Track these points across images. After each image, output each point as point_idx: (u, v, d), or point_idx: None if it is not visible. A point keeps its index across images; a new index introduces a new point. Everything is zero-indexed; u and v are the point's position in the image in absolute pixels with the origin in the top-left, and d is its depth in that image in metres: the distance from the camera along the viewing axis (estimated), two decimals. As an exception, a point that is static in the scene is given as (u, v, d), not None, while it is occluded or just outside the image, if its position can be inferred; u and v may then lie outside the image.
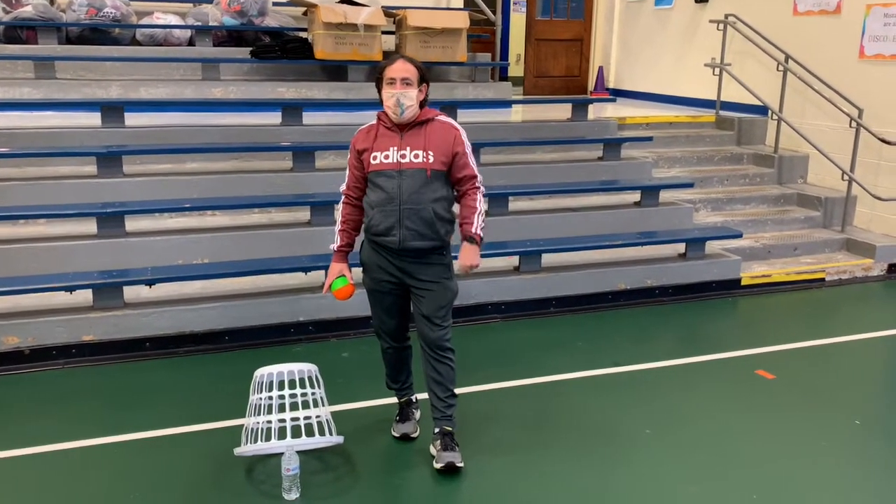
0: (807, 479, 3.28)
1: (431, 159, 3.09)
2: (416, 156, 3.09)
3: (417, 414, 3.60)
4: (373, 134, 3.18)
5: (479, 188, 3.21)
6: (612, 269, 5.49)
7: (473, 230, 3.18)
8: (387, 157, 3.11)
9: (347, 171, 3.27)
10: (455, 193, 3.24)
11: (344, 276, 3.27)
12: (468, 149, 3.17)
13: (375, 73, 3.17)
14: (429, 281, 3.18)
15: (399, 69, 3.07)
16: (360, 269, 3.30)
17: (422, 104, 3.14)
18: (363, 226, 3.24)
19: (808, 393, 4.10)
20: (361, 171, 3.20)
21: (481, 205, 3.21)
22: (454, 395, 3.30)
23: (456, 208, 3.25)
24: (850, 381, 4.31)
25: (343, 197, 3.30)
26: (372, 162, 3.12)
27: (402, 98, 3.06)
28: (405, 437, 3.48)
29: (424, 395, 3.40)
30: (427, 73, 3.17)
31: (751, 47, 7.47)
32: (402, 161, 3.09)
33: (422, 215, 3.09)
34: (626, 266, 5.54)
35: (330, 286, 3.27)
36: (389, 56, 3.28)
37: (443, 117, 3.20)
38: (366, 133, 3.21)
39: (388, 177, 3.09)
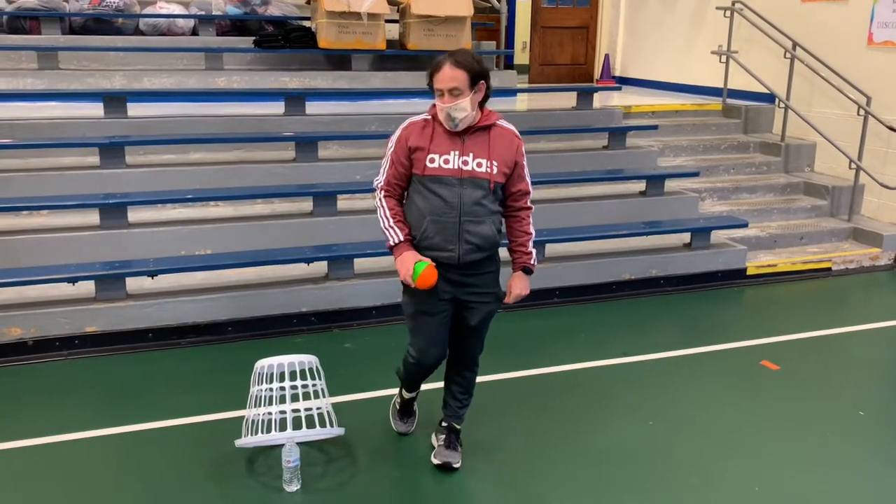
0: (810, 471, 3.26)
1: (495, 170, 2.83)
2: (480, 164, 2.82)
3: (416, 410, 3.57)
4: (429, 132, 2.85)
5: (531, 208, 3.01)
6: (616, 259, 5.46)
7: (532, 261, 3.02)
8: (447, 161, 2.81)
9: (387, 165, 2.93)
10: (503, 208, 2.98)
11: (421, 260, 2.84)
12: (525, 160, 2.96)
13: (428, 74, 2.82)
14: (484, 292, 2.98)
15: (446, 78, 2.72)
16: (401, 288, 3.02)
17: (483, 101, 2.84)
18: (415, 239, 2.92)
19: (813, 384, 4.08)
20: (408, 170, 2.89)
21: (533, 229, 3.04)
22: (471, 397, 3.27)
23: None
24: (855, 371, 4.28)
25: (382, 192, 2.95)
26: (429, 165, 2.82)
27: (454, 111, 2.75)
28: (400, 433, 3.47)
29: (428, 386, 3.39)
30: (483, 67, 2.79)
31: (758, 34, 7.39)
32: (465, 168, 2.81)
33: (482, 229, 2.85)
34: (630, 256, 5.50)
35: (412, 275, 2.84)
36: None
37: (504, 122, 2.93)
38: (420, 129, 2.87)
39: (447, 185, 2.81)
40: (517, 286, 3.05)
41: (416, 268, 2.84)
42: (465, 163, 2.82)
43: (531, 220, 3.03)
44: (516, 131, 2.96)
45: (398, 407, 3.49)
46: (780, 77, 7.18)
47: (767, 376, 4.16)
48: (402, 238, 2.90)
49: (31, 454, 3.31)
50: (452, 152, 2.82)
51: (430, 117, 2.89)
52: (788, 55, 7.05)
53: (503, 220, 3.03)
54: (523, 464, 3.27)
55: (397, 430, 3.48)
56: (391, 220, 2.92)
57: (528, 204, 3.01)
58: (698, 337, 4.74)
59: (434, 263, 2.86)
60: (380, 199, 2.97)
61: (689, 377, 4.14)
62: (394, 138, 2.93)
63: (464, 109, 2.76)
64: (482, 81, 2.79)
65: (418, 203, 2.88)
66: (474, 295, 2.99)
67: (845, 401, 3.88)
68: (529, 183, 3.00)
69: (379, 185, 2.98)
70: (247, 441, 3.13)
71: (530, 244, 3.01)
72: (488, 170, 2.83)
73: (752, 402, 3.86)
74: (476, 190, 2.83)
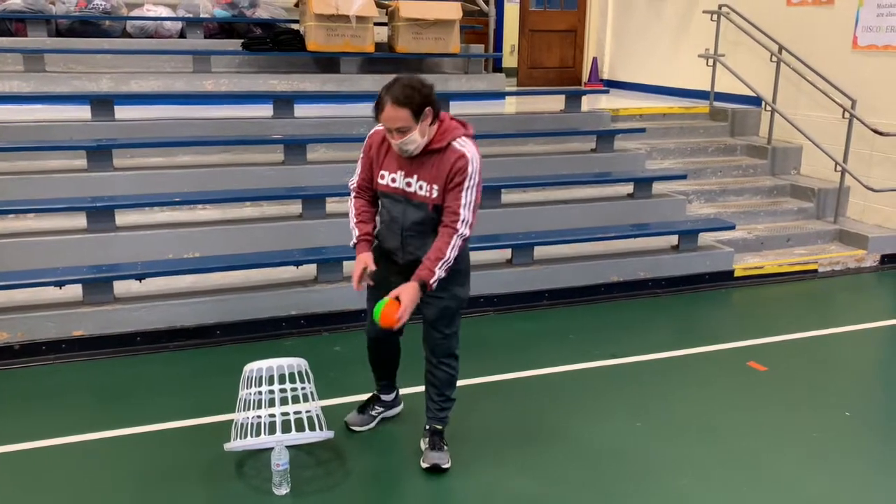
0: (797, 471, 3.28)
1: (435, 194, 2.87)
2: (421, 187, 2.89)
3: (384, 412, 3.57)
4: (386, 146, 2.96)
5: (457, 230, 2.85)
6: (604, 262, 5.48)
7: (431, 280, 2.85)
8: (394, 180, 2.93)
9: (359, 168, 3.07)
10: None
11: (383, 299, 2.87)
12: (469, 182, 2.83)
13: (373, 107, 2.84)
14: (437, 286, 2.98)
15: (390, 119, 2.75)
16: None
17: (435, 120, 2.84)
18: (376, 233, 3.12)
19: (800, 384, 4.10)
20: (370, 173, 3.04)
21: (452, 251, 2.87)
22: (449, 400, 3.25)
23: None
24: (842, 372, 4.31)
25: (353, 192, 3.12)
26: (379, 181, 2.99)
27: (404, 146, 2.82)
28: (347, 426, 3.47)
29: (409, 390, 3.39)
30: (424, 93, 2.76)
31: (744, 38, 7.45)
32: (408, 189, 2.91)
33: (425, 243, 2.95)
34: (618, 258, 5.53)
35: (373, 312, 2.91)
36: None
37: (459, 143, 2.86)
38: (380, 141, 2.99)
39: (393, 200, 2.97)
40: (402, 294, 2.84)
41: (377, 307, 2.89)
42: (409, 184, 2.92)
43: (451, 242, 2.86)
44: (470, 152, 2.85)
45: (367, 399, 3.55)
46: (766, 80, 7.23)
47: (755, 377, 4.19)
48: (356, 238, 3.08)
49: (18, 459, 3.28)
50: (399, 172, 2.93)
51: None
52: (774, 58, 7.10)
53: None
54: (513, 464, 3.28)
55: (346, 419, 3.50)
56: (353, 221, 3.11)
57: (455, 226, 2.86)
58: (686, 338, 4.76)
59: (396, 299, 2.85)
60: (350, 200, 3.17)
61: (677, 378, 4.16)
62: (365, 143, 3.06)
63: (413, 141, 2.82)
64: (429, 108, 2.78)
65: (379, 208, 3.11)
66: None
67: (832, 401, 3.91)
68: (465, 206, 2.85)
69: (351, 187, 3.16)
70: (236, 445, 3.12)
71: (438, 264, 2.86)
72: (428, 193, 2.89)
73: (740, 403, 3.89)
74: (417, 210, 2.94)
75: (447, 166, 2.85)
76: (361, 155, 3.08)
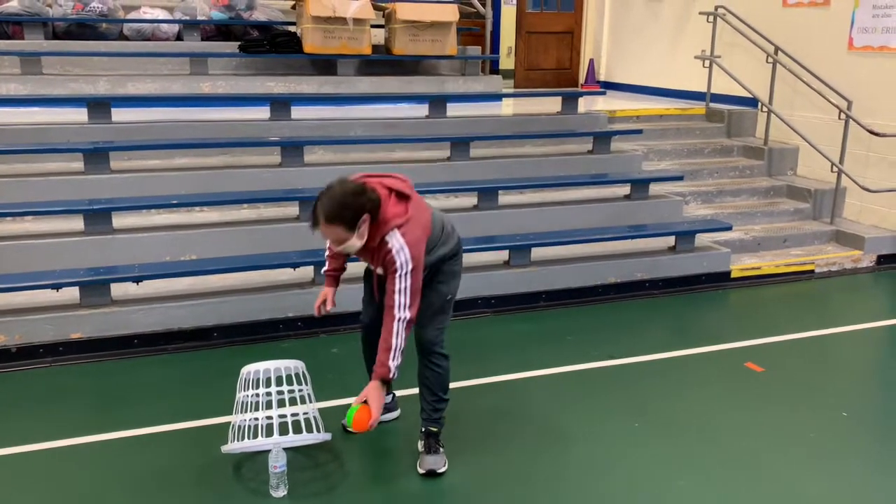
0: (794, 472, 3.29)
1: (381, 272, 3.03)
2: (372, 268, 3.13)
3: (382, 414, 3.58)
4: None
5: (394, 316, 2.87)
6: (602, 263, 5.49)
7: (390, 374, 2.90)
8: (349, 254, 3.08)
9: None
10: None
11: (353, 406, 2.91)
12: (400, 271, 2.84)
13: (311, 214, 2.89)
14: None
15: (325, 234, 2.84)
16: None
17: (375, 217, 2.84)
18: None
19: (797, 385, 4.11)
20: None
21: (397, 339, 2.88)
22: (442, 400, 3.24)
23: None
24: (839, 373, 4.32)
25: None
26: None
27: (344, 250, 2.93)
28: (344, 428, 3.47)
29: (406, 392, 3.39)
30: (358, 204, 2.76)
31: (740, 39, 7.47)
32: (367, 264, 3.15)
33: None
34: (616, 259, 5.54)
35: (346, 416, 2.95)
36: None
37: (391, 238, 2.85)
38: None
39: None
40: (369, 397, 2.90)
41: (349, 414, 2.92)
42: (364, 261, 3.12)
43: (394, 329, 2.88)
44: (396, 248, 2.84)
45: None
46: (762, 81, 7.25)
47: (752, 378, 4.20)
48: (324, 271, 3.34)
49: (15, 462, 3.28)
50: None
51: None
52: (770, 60, 7.12)
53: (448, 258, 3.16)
54: (510, 465, 3.28)
55: (343, 422, 3.49)
56: (326, 253, 3.31)
57: (393, 312, 2.88)
58: (684, 339, 4.77)
59: (366, 404, 2.89)
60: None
61: (675, 379, 4.17)
62: None
63: (352, 246, 2.87)
64: (364, 215, 2.79)
65: None
66: None
67: (829, 402, 3.92)
68: (399, 293, 2.86)
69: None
70: (233, 447, 3.12)
71: (389, 357, 2.89)
72: (373, 269, 3.12)
73: (738, 403, 3.89)
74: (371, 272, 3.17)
75: (381, 257, 2.92)
76: None
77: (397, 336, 2.90)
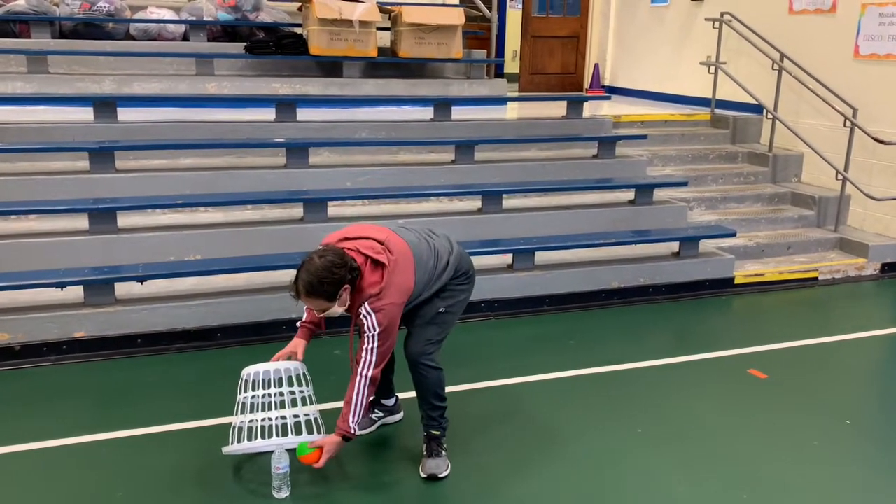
0: (797, 479, 3.28)
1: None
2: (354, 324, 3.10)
3: (385, 418, 3.59)
4: None
5: (360, 372, 2.96)
6: (605, 268, 5.48)
7: (349, 430, 2.99)
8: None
9: None
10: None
11: (306, 446, 3.02)
12: (370, 333, 2.92)
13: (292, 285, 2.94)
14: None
15: (307, 303, 2.94)
16: None
17: (353, 287, 2.91)
18: None
19: (800, 392, 4.10)
20: None
21: (359, 396, 2.97)
22: (435, 407, 3.22)
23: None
24: (842, 380, 4.32)
25: None
26: None
27: (328, 315, 2.97)
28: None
29: (406, 395, 3.39)
30: (339, 280, 2.83)
31: (746, 46, 7.46)
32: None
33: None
34: (619, 264, 5.53)
35: (297, 449, 3.05)
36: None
37: (365, 309, 2.91)
38: None
39: None
40: (326, 443, 3.02)
41: (300, 447, 3.04)
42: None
43: (356, 386, 2.97)
44: (370, 319, 2.91)
45: None
46: (767, 88, 7.25)
47: (755, 385, 4.19)
48: (300, 322, 3.27)
49: (17, 460, 3.29)
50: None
51: None
52: (776, 66, 7.12)
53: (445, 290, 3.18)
54: (511, 469, 3.28)
55: None
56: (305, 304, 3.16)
57: (359, 368, 2.97)
58: (687, 345, 4.77)
59: (314, 453, 3.01)
60: None
61: (678, 385, 4.17)
62: None
63: (334, 313, 2.95)
64: (343, 287, 2.85)
65: None
66: None
67: (832, 410, 3.91)
68: (368, 352, 2.94)
69: None
70: (235, 448, 3.12)
71: (351, 417, 2.98)
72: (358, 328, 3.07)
73: (740, 410, 3.89)
74: None
75: (355, 318, 3.01)
76: None
77: (359, 393, 2.98)
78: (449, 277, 3.18)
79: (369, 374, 2.98)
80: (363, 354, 2.97)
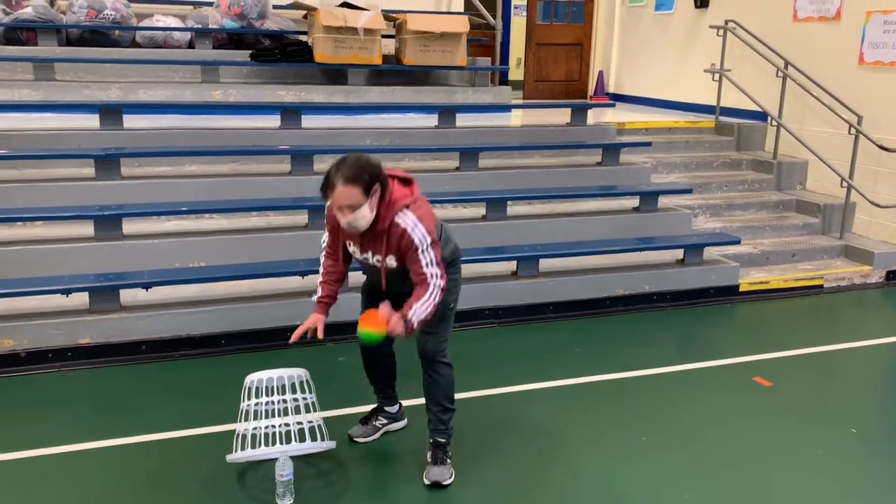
0: (802, 488, 3.26)
1: (395, 263, 2.97)
2: (378, 260, 3.00)
3: (389, 425, 3.57)
4: None
5: (430, 284, 2.91)
6: (610, 275, 5.48)
7: (410, 318, 2.86)
8: (354, 252, 3.09)
9: (325, 230, 3.18)
10: None
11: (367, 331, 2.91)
12: (421, 247, 2.88)
13: (321, 186, 2.84)
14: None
15: (341, 197, 2.77)
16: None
17: (382, 197, 2.85)
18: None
19: (805, 401, 4.09)
20: (335, 234, 3.11)
21: (431, 297, 2.90)
22: (446, 410, 3.23)
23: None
24: (848, 389, 4.30)
25: (323, 251, 3.23)
26: (346, 246, 3.11)
27: (355, 221, 2.84)
28: (351, 438, 3.49)
29: (408, 403, 3.39)
30: (373, 170, 2.80)
31: (750, 53, 7.47)
32: (369, 261, 3.05)
33: (404, 284, 2.98)
34: (624, 272, 5.53)
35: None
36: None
37: (401, 217, 2.88)
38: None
39: (362, 263, 3.10)
40: (384, 309, 2.88)
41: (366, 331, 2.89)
42: (366, 258, 3.05)
43: (426, 292, 2.90)
44: (410, 221, 2.88)
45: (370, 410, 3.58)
46: (772, 95, 7.25)
47: (760, 393, 4.18)
48: (316, 297, 3.22)
49: (22, 467, 3.29)
50: (356, 247, 3.06)
51: None
52: (781, 74, 7.12)
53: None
54: (515, 478, 3.27)
55: (350, 432, 3.52)
56: (321, 278, 3.24)
57: (428, 281, 2.92)
58: (692, 353, 4.75)
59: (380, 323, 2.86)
60: (321, 256, 3.25)
61: (683, 393, 4.16)
62: (326, 211, 3.06)
63: (363, 217, 2.83)
64: (377, 184, 2.82)
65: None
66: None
67: (838, 418, 3.90)
68: (427, 265, 2.90)
69: (323, 246, 3.24)
70: (238, 456, 3.11)
71: (412, 310, 2.87)
72: (380, 262, 3.00)
73: (746, 418, 3.87)
74: (376, 274, 3.04)
75: (395, 241, 2.92)
76: (326, 219, 3.13)
77: (431, 296, 2.90)
78: (450, 250, 3.17)
79: (441, 284, 2.92)
80: (426, 269, 2.89)
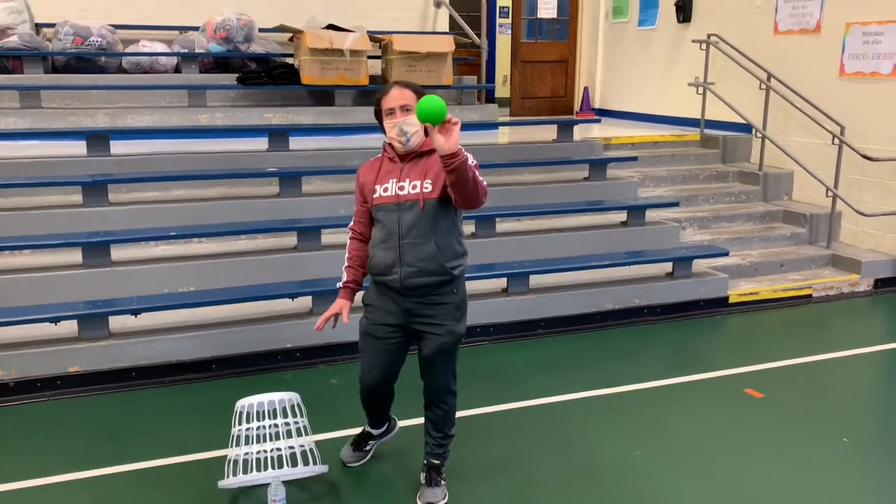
0: (796, 497, 3.26)
1: (429, 188, 2.90)
2: (415, 186, 2.92)
3: (369, 446, 3.54)
4: (377, 166, 3.05)
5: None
6: (599, 290, 5.49)
7: (466, 160, 2.75)
8: (386, 189, 2.97)
9: (356, 206, 3.15)
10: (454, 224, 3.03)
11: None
12: (473, 161, 2.85)
13: (374, 105, 3.02)
14: (432, 323, 3.01)
15: (396, 97, 2.91)
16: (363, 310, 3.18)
17: (427, 130, 2.78)
18: (368, 267, 3.11)
19: (797, 411, 4.10)
20: (366, 206, 3.07)
21: (475, 166, 2.85)
22: (448, 436, 3.22)
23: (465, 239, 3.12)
24: (839, 398, 4.31)
25: (350, 233, 3.19)
26: (374, 197, 3.00)
27: (405, 126, 2.89)
28: (342, 462, 3.46)
29: (407, 422, 3.38)
30: (421, 91, 2.96)
31: (733, 66, 7.55)
32: (401, 193, 2.93)
33: (423, 249, 2.91)
34: (613, 286, 5.54)
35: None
36: (382, 84, 3.14)
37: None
38: (370, 166, 3.09)
39: (387, 211, 2.96)
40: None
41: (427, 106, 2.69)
42: (402, 188, 2.95)
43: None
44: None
45: (358, 435, 3.52)
46: (756, 107, 7.32)
47: (752, 404, 4.19)
48: (342, 282, 3.19)
49: (12, 499, 3.25)
50: (391, 180, 2.98)
51: (380, 155, 3.08)
52: (764, 86, 7.19)
53: (458, 238, 3.04)
54: (510, 494, 3.26)
55: (341, 456, 3.48)
56: (345, 264, 3.20)
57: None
58: (683, 366, 4.76)
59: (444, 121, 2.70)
60: (347, 241, 3.22)
61: (675, 407, 4.16)
62: (356, 183, 3.13)
63: (415, 124, 2.86)
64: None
65: (373, 234, 3.07)
66: (425, 325, 3.04)
67: (830, 427, 3.91)
68: (474, 171, 2.84)
69: (350, 227, 3.22)
70: (231, 482, 3.09)
71: (466, 161, 2.76)
72: (418, 190, 2.92)
73: (738, 430, 3.88)
74: (410, 212, 2.93)
75: (436, 161, 2.87)
76: (356, 195, 3.13)
77: (474, 166, 2.84)
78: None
79: (475, 163, 2.84)
80: (473, 171, 2.79)
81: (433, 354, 3.06)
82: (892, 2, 6.35)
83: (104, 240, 4.86)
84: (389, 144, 3.02)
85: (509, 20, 11.05)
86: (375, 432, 3.53)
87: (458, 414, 3.63)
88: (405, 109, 2.90)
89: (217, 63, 7.61)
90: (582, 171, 6.74)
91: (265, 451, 3.15)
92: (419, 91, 2.94)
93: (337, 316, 3.17)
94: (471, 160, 2.81)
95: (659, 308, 5.58)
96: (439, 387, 3.13)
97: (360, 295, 3.24)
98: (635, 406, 4.15)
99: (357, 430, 3.61)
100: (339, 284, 3.21)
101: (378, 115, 3.01)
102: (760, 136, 7.29)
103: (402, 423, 3.66)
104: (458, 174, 2.74)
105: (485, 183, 2.90)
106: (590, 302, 5.43)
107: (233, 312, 4.76)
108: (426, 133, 2.82)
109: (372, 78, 7.45)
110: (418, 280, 2.95)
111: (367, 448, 3.53)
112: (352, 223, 3.19)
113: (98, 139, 5.73)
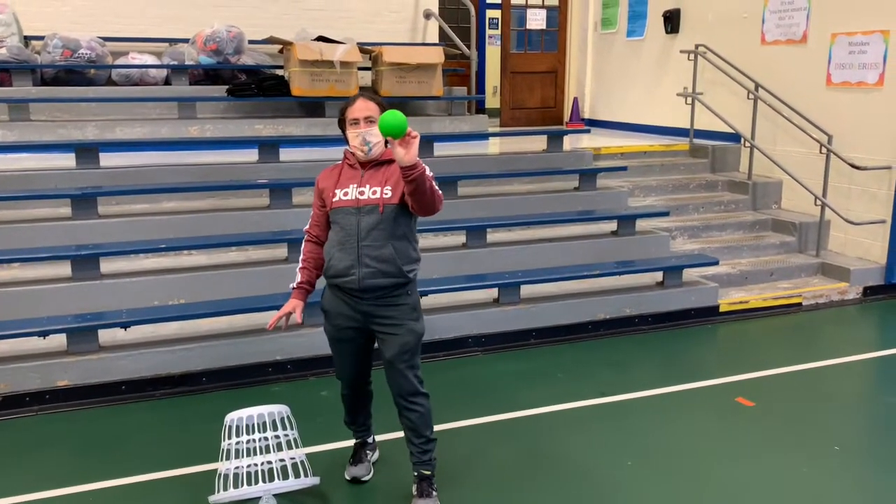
0: (788, 508, 3.27)
1: (389, 193, 3.02)
2: (375, 192, 3.03)
3: (373, 455, 3.56)
4: (336, 172, 3.17)
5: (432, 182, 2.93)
6: (590, 299, 5.50)
7: (424, 172, 2.85)
8: (346, 193, 3.07)
9: (313, 209, 3.26)
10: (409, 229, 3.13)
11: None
12: (429, 172, 2.92)
13: (339, 114, 3.16)
14: (391, 323, 3.08)
15: (360, 108, 3.07)
16: (323, 316, 3.24)
17: (387, 142, 2.90)
18: (324, 269, 3.17)
19: (788, 419, 4.11)
20: (323, 210, 3.17)
21: (430, 176, 2.92)
22: (430, 440, 3.22)
23: (420, 245, 3.21)
24: (829, 406, 4.33)
25: (305, 235, 3.28)
26: (334, 200, 3.09)
27: (368, 136, 3.04)
28: (355, 481, 3.43)
29: (384, 437, 3.37)
30: (384, 105, 3.12)
31: (721, 76, 7.60)
32: (361, 198, 3.03)
33: (381, 252, 3.01)
34: (604, 295, 5.55)
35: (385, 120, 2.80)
36: (348, 100, 3.20)
37: None
38: (329, 172, 3.21)
39: (346, 213, 3.05)
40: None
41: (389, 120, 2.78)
42: (362, 193, 3.06)
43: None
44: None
45: (353, 450, 3.54)
46: (744, 117, 7.37)
47: (743, 413, 4.19)
48: (295, 283, 3.26)
49: (0, 514, 3.23)
50: (351, 185, 3.08)
51: (340, 162, 3.20)
52: (751, 96, 7.24)
53: (413, 245, 3.15)
54: (503, 509, 3.25)
55: (346, 475, 3.47)
56: (300, 264, 3.27)
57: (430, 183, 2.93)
58: (674, 375, 4.77)
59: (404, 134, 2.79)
60: (302, 243, 3.29)
61: (667, 416, 4.16)
62: (315, 188, 3.23)
63: (377, 135, 2.99)
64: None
65: (330, 236, 3.14)
66: (384, 326, 3.11)
67: (821, 435, 3.92)
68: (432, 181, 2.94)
69: (305, 230, 3.30)
70: (221, 496, 3.07)
71: (424, 172, 2.87)
72: (378, 195, 3.03)
73: (729, 439, 3.88)
74: (370, 216, 3.03)
75: (395, 170, 2.99)
76: (314, 199, 3.25)
77: (430, 176, 2.91)
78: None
79: (432, 175, 2.91)
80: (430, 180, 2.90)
81: (396, 356, 3.10)
82: (876, 13, 6.42)
83: (93, 252, 4.84)
84: (351, 152, 3.15)
85: (499, 31, 11.10)
86: (369, 440, 3.53)
87: (448, 426, 3.64)
88: (369, 121, 3.05)
89: (207, 75, 7.60)
90: (572, 182, 6.77)
91: (256, 465, 3.14)
92: (382, 105, 3.09)
93: (289, 315, 3.25)
94: (428, 171, 2.92)
95: (650, 317, 5.60)
96: (408, 389, 3.14)
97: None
98: (627, 416, 4.15)
99: (348, 443, 3.61)
100: (293, 285, 3.28)
101: (342, 123, 3.14)
102: (749, 145, 7.33)
103: (389, 436, 3.65)
104: (418, 184, 2.86)
105: (440, 192, 3.01)
106: (581, 312, 5.44)
107: (223, 325, 4.75)
108: (386, 144, 2.95)
109: (362, 89, 7.46)
110: (376, 281, 3.03)
111: (368, 457, 3.52)
112: (307, 226, 3.27)
113: (87, 152, 5.71)
